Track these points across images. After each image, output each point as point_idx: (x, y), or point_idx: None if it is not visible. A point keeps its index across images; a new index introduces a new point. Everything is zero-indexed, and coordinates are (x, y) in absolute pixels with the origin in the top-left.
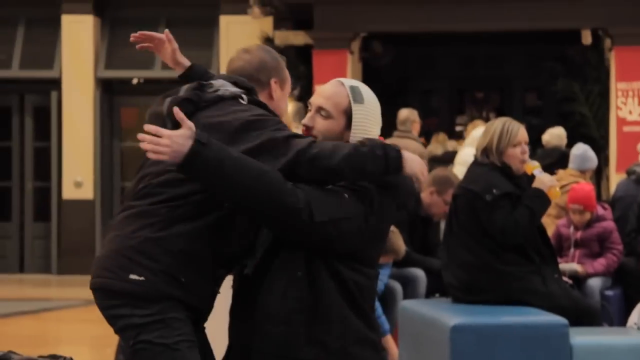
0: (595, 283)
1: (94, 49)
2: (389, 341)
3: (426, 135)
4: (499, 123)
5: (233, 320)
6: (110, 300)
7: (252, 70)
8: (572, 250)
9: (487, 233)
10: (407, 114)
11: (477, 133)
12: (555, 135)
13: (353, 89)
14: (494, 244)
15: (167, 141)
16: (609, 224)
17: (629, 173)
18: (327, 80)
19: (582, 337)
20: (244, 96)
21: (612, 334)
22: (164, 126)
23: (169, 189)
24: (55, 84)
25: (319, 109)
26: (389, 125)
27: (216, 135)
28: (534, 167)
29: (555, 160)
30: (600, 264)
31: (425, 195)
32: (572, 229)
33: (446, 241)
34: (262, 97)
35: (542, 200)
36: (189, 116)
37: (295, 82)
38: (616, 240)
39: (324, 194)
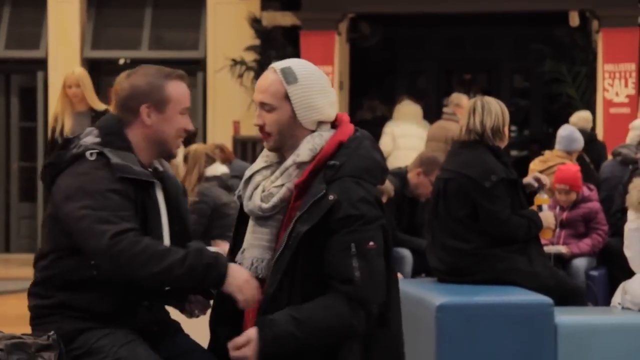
0: (580, 263)
1: (80, 29)
2: None
3: None
4: (493, 102)
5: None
6: None
7: (124, 99)
8: (557, 230)
9: (477, 217)
10: (452, 98)
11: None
12: (582, 118)
13: (284, 72)
14: (482, 227)
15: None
16: (595, 205)
17: (615, 154)
18: (315, 61)
19: (566, 317)
20: (93, 151)
21: (597, 314)
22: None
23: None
24: (42, 64)
25: (262, 105)
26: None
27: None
28: (543, 201)
29: (586, 142)
30: (585, 244)
31: (412, 176)
32: (557, 209)
33: (431, 225)
34: (136, 127)
35: (536, 228)
36: (54, 179)
37: None
38: (602, 221)
39: (372, 277)
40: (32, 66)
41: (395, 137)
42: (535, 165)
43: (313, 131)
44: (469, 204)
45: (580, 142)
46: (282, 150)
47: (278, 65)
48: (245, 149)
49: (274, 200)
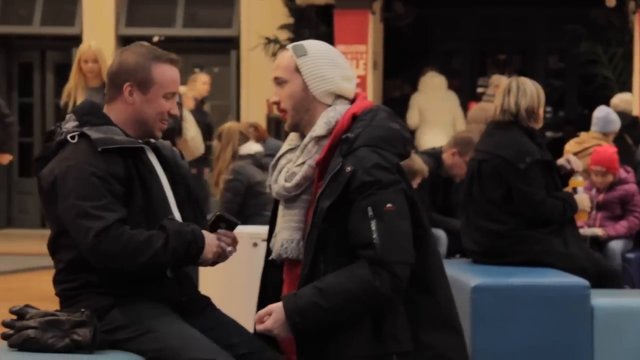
0: (616, 245)
1: (115, 6)
2: None
3: None
4: (529, 82)
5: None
6: None
7: (111, 74)
8: (593, 212)
9: (512, 199)
10: (492, 79)
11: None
12: (624, 100)
13: (295, 47)
14: (516, 209)
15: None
16: (632, 187)
17: None
18: (348, 40)
19: (603, 299)
20: (73, 133)
21: (633, 296)
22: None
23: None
24: (76, 40)
25: (276, 81)
26: (414, 84)
27: None
28: (578, 183)
29: (628, 124)
30: (622, 226)
31: (447, 156)
32: (594, 191)
33: (465, 206)
34: (117, 104)
35: (572, 210)
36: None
37: None
38: (638, 203)
39: (395, 237)
40: (67, 43)
41: (422, 110)
42: (570, 146)
43: (329, 106)
44: (503, 186)
45: (616, 124)
46: (299, 127)
47: (292, 44)
48: (279, 127)
49: (297, 178)
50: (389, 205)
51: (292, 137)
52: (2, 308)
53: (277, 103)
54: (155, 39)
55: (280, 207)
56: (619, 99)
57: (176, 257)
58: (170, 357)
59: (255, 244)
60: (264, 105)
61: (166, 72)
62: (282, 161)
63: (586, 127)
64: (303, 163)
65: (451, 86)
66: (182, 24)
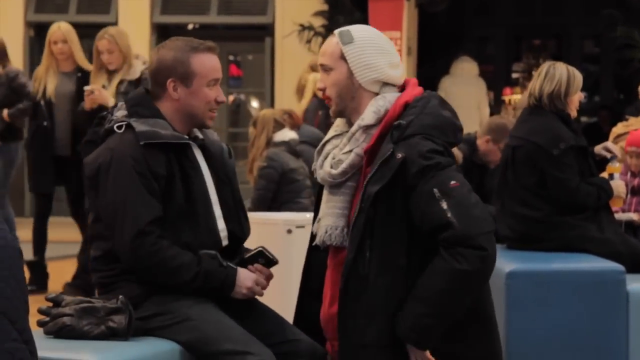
0: None
1: None
2: None
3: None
4: (563, 68)
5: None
6: None
7: (153, 73)
8: (629, 197)
9: (546, 185)
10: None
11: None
12: None
13: (341, 34)
14: (550, 195)
15: None
16: None
17: None
18: (383, 27)
19: (638, 284)
20: (120, 123)
21: None
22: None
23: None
24: None
25: (322, 67)
26: (443, 71)
27: None
28: (615, 170)
29: None
30: None
31: (481, 143)
32: (629, 175)
33: (500, 193)
34: (165, 101)
35: (606, 196)
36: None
37: None
38: None
39: (470, 211)
40: None
41: (447, 94)
42: (618, 129)
43: (377, 94)
44: (537, 172)
45: None
46: (345, 114)
47: (338, 29)
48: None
49: (343, 166)
50: (453, 182)
51: (339, 122)
52: (38, 295)
53: (323, 90)
54: (190, 26)
55: (325, 193)
56: None
57: (202, 291)
58: (205, 346)
59: (289, 231)
60: None
61: (205, 61)
62: (328, 147)
63: (621, 111)
64: (350, 151)
65: (485, 72)
66: (217, 12)
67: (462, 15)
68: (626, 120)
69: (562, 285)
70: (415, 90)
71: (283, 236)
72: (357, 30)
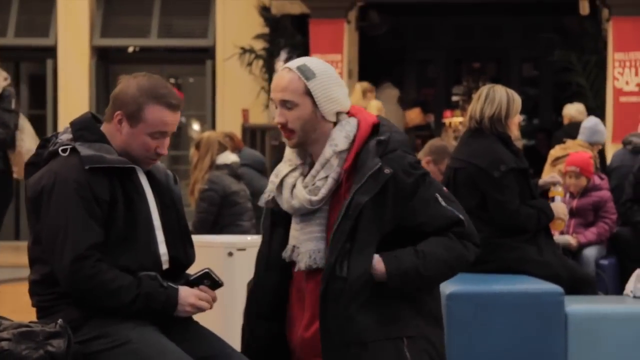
0: (590, 252)
1: (89, 17)
2: None
3: (422, 105)
4: (502, 91)
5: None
6: None
7: (112, 96)
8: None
9: (487, 207)
10: None
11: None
12: (580, 112)
13: (302, 69)
14: (491, 217)
15: None
16: (605, 194)
17: (625, 143)
18: (324, 49)
19: (577, 305)
20: (65, 147)
21: (608, 303)
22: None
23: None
24: (51, 52)
25: (283, 103)
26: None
27: None
28: (558, 194)
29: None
30: (591, 232)
31: (422, 164)
32: (567, 196)
33: None
34: (112, 126)
35: (547, 219)
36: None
37: (291, 52)
38: (610, 210)
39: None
40: (42, 54)
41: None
42: (555, 151)
43: (334, 123)
44: (478, 194)
45: (602, 135)
46: (305, 145)
47: (292, 64)
48: (255, 137)
49: (323, 191)
50: (445, 189)
51: (290, 156)
52: None
53: (284, 124)
54: (131, 49)
55: (295, 221)
56: (576, 110)
57: (144, 313)
58: None
59: (230, 254)
60: (239, 115)
61: (157, 114)
62: (289, 180)
63: (559, 135)
64: (326, 177)
65: (426, 95)
66: (157, 34)
67: (403, 38)
68: (563, 142)
69: (501, 307)
70: (368, 113)
71: (224, 259)
72: (313, 64)
